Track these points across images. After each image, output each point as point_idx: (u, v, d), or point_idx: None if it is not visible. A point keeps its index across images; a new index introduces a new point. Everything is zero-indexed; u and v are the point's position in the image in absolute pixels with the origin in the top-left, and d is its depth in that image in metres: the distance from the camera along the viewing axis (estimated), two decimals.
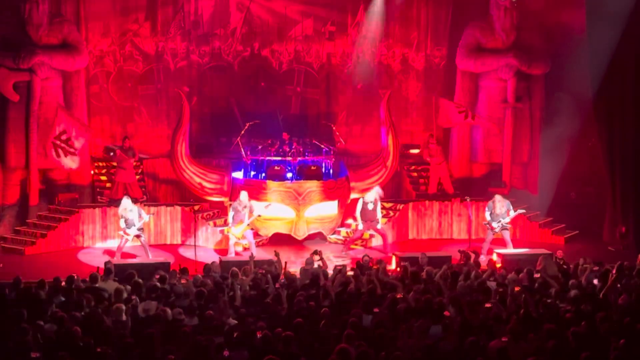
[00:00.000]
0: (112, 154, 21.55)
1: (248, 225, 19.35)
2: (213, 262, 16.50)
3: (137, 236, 19.09)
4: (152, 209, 20.78)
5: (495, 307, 12.62)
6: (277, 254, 16.52)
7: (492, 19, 22.85)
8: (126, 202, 19.11)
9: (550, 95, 22.84)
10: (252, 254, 17.80)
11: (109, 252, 19.43)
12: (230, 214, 19.36)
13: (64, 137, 20.51)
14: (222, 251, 19.82)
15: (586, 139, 22.52)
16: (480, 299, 13.11)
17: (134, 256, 19.24)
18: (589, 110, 21.64)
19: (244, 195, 19.47)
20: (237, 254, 19.26)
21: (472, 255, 16.85)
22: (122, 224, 19.02)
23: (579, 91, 21.56)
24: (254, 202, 20.00)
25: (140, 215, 19.02)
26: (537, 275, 15.10)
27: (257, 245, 20.48)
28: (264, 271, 14.95)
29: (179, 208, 21.27)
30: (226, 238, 20.03)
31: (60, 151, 20.54)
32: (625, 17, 20.50)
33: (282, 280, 14.63)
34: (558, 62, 22.31)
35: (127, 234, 18.94)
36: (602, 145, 21.65)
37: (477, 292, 13.63)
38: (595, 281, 14.63)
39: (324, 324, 11.47)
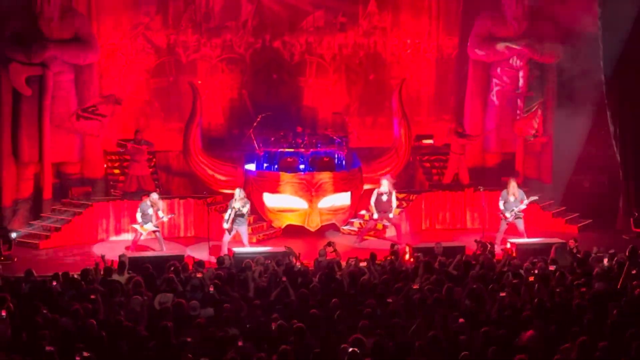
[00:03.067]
0: (123, 150, 21.54)
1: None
2: (226, 255, 16.57)
3: (153, 231, 19.15)
4: (166, 206, 20.78)
5: (509, 296, 12.61)
6: (288, 249, 16.52)
7: (504, 7, 22.76)
8: (154, 197, 19.15)
9: (562, 83, 22.73)
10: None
11: (127, 247, 19.43)
12: (228, 211, 19.22)
13: (91, 109, 20.58)
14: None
15: (599, 127, 22.44)
16: (495, 288, 13.09)
17: (148, 249, 19.30)
18: (601, 98, 21.59)
19: (238, 192, 19.27)
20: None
21: (488, 245, 16.82)
22: (138, 217, 19.08)
23: (591, 79, 21.48)
24: (266, 194, 20.18)
25: (157, 213, 19.10)
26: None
27: (270, 237, 20.58)
28: (273, 262, 14.97)
29: (192, 201, 21.31)
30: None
31: (83, 119, 20.61)
32: (638, 4, 20.42)
33: (296, 270, 14.67)
34: (570, 50, 22.21)
35: (144, 229, 19.00)
36: (615, 133, 21.58)
37: (492, 282, 13.62)
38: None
39: (337, 315, 11.49)
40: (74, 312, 11.60)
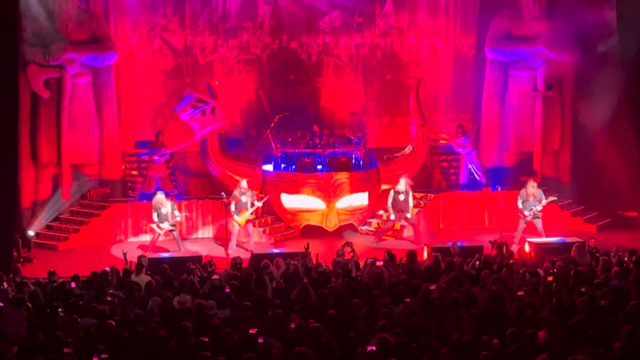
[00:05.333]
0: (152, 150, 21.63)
1: (251, 214, 19.47)
2: (239, 257, 16.62)
3: (170, 230, 19.25)
4: (183, 207, 20.83)
5: (527, 296, 12.55)
6: (307, 247, 16.52)
7: (521, 6, 22.66)
8: (160, 196, 19.27)
9: (580, 82, 22.64)
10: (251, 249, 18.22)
11: (143, 247, 19.53)
12: (232, 203, 19.39)
13: (201, 104, 20.76)
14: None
15: (618, 125, 22.30)
16: (513, 288, 13.04)
17: (166, 250, 19.35)
18: (620, 95, 21.45)
19: (244, 182, 19.54)
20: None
21: (504, 246, 16.76)
22: (155, 217, 19.22)
23: (610, 76, 21.36)
24: (284, 195, 20.25)
25: (173, 213, 19.20)
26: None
27: (288, 237, 20.61)
28: (295, 263, 14.96)
29: (209, 201, 21.35)
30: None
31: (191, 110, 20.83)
32: None
33: (314, 270, 14.67)
34: (588, 48, 22.10)
35: (160, 229, 19.11)
36: (634, 131, 21.45)
37: (509, 281, 13.57)
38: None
39: (356, 315, 11.48)
40: (92, 313, 11.64)
